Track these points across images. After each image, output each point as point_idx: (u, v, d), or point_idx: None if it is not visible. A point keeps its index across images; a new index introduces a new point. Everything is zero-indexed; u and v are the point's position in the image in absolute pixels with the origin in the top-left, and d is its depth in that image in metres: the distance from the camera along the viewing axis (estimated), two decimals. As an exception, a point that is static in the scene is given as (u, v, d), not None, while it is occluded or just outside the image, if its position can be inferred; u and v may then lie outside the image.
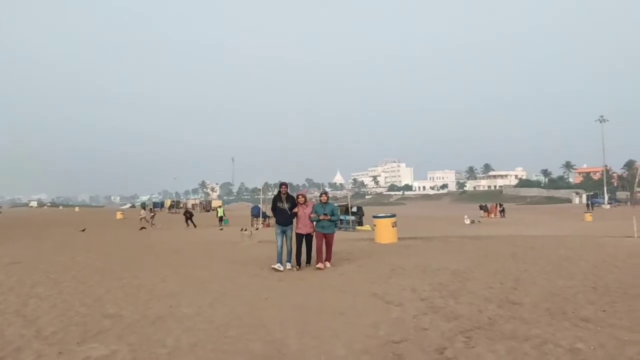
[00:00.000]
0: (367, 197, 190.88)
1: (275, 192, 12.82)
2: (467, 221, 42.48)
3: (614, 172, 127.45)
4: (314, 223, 12.06)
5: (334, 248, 12.66)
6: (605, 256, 12.91)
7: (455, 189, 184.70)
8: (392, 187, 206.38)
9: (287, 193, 12.00)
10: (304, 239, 12.01)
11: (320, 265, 11.79)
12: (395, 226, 18.51)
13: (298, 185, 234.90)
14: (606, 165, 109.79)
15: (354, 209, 36.32)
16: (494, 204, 60.16)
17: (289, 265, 11.76)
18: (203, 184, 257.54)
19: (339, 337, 6.26)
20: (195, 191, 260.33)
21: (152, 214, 40.78)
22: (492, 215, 54.36)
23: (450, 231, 29.62)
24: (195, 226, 37.28)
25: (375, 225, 19.11)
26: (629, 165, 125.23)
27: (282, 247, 11.80)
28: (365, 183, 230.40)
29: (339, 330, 6.57)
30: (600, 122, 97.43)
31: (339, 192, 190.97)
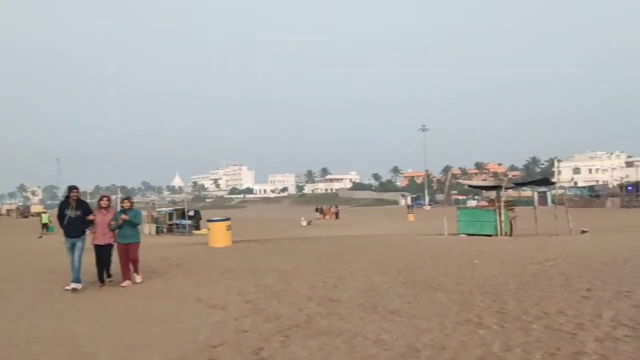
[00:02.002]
0: (207, 200, 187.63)
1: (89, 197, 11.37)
2: (304, 223, 43.90)
3: (434, 177, 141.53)
4: (116, 232, 10.43)
5: (140, 258, 10.91)
6: (418, 253, 14.21)
7: (295, 192, 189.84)
8: (234, 191, 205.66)
9: (78, 198, 10.15)
10: (102, 251, 10.29)
11: (125, 283, 10.24)
12: (230, 229, 18.45)
13: (133, 188, 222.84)
14: (427, 170, 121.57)
15: (191, 213, 35.50)
16: (329, 206, 63.05)
17: (75, 285, 9.88)
18: (22, 187, 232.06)
19: (156, 345, 6.04)
20: (12, 195, 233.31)
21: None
22: (327, 217, 56.86)
23: (287, 233, 30.35)
24: None
25: (209, 229, 18.86)
26: (446, 170, 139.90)
27: (76, 262, 9.91)
28: (205, 186, 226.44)
29: (157, 338, 6.34)
30: (423, 131, 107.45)
31: (177, 195, 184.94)
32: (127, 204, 10.62)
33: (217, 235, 17.98)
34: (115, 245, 10.47)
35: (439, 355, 5.21)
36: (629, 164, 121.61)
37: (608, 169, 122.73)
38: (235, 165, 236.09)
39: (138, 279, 10.63)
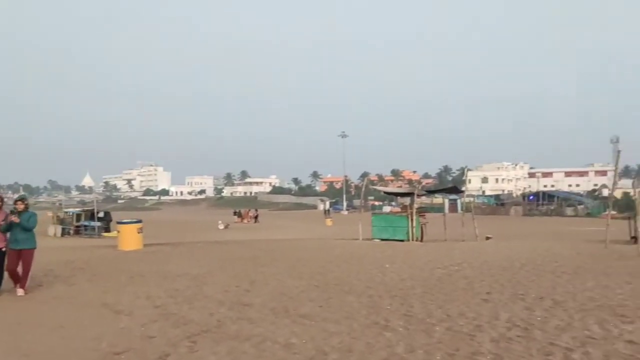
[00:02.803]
0: (119, 201, 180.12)
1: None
2: (221, 226, 43.24)
3: (352, 182, 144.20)
4: (7, 236, 9.25)
5: (32, 268, 9.47)
6: (332, 257, 14.44)
7: (213, 195, 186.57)
8: (148, 192, 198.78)
9: None
10: None
11: (19, 291, 9.18)
12: (141, 232, 17.84)
13: (38, 187, 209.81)
14: (346, 176, 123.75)
15: (101, 214, 33.93)
16: (247, 210, 62.54)
17: None
18: None
19: (54, 352, 5.73)
20: None
21: None
22: (246, 221, 56.36)
23: (203, 236, 29.75)
24: None
25: (119, 232, 18.14)
26: (364, 176, 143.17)
27: None
28: (118, 187, 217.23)
29: (56, 345, 6.02)
30: (342, 137, 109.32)
31: (87, 195, 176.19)
32: (20, 206, 9.38)
33: (128, 237, 17.33)
34: (7, 251, 9.21)
35: (345, 357, 5.32)
36: (532, 175, 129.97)
37: (513, 179, 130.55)
38: (151, 165, 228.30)
39: (20, 292, 9.17)
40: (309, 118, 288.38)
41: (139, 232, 17.62)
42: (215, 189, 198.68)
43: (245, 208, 70.91)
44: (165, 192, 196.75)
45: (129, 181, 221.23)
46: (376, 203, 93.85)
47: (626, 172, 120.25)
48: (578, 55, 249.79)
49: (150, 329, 6.65)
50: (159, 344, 5.96)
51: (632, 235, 17.95)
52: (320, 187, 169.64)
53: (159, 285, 9.90)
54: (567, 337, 5.79)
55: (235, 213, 60.55)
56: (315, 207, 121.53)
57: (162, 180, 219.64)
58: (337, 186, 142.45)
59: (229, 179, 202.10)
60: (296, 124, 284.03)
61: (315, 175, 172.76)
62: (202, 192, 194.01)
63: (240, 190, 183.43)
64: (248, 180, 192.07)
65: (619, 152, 21.99)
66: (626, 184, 67.83)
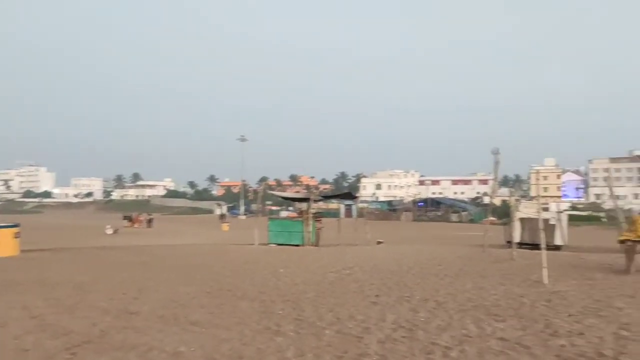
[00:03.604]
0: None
1: None
2: (110, 231, 41.13)
3: (250, 187, 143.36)
4: None
5: None
6: (227, 262, 14.26)
7: (102, 198, 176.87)
8: (29, 194, 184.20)
9: None
10: None
11: None
12: (19, 237, 16.50)
13: None
14: (244, 180, 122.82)
15: (-28, 217, 30.93)
16: (138, 214, 60.02)
17: None
18: None
19: None
20: None
21: None
22: (137, 225, 54.05)
23: (89, 242, 28.10)
24: None
25: (-8, 236, 16.62)
26: (263, 181, 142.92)
27: None
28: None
29: None
30: (241, 141, 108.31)
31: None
32: None
33: (2, 243, 15.94)
34: None
35: (235, 364, 5.27)
36: (421, 182, 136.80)
37: (404, 186, 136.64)
38: (31, 165, 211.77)
39: None
40: (206, 120, 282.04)
41: (15, 237, 16.28)
42: (105, 191, 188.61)
43: (136, 212, 67.95)
44: (47, 194, 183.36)
45: (6, 182, 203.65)
46: (274, 208, 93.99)
47: (505, 182, 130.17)
48: (462, 73, 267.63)
49: (24, 341, 6.16)
50: (34, 357, 5.55)
51: (507, 239, 19.46)
52: (217, 191, 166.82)
53: (37, 294, 9.20)
54: (447, 336, 6.15)
55: (125, 217, 57.86)
56: (212, 211, 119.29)
57: (45, 181, 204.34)
58: (235, 190, 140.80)
59: (119, 182, 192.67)
60: (193, 126, 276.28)
61: (212, 179, 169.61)
62: (90, 194, 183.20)
63: (131, 194, 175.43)
64: (140, 183, 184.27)
65: (497, 163, 23.79)
66: (505, 192, 73.60)
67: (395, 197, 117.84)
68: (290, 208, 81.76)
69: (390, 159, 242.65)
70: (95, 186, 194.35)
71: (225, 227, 49.15)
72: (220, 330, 6.57)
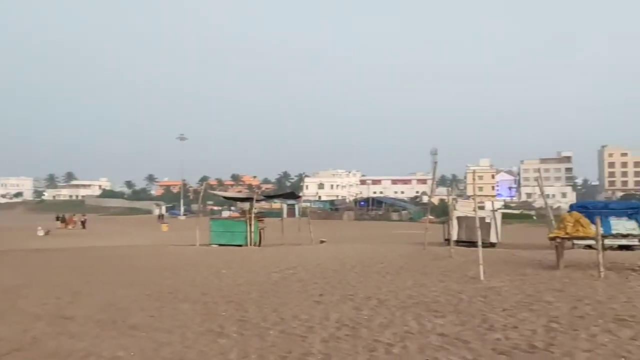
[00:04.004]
0: None
1: None
2: (41, 233, 39.35)
3: (190, 187, 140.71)
4: None
5: None
6: (167, 264, 13.94)
7: (32, 198, 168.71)
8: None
9: None
10: None
11: None
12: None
13: None
14: (184, 180, 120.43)
15: None
16: (72, 215, 57.69)
17: None
18: None
19: None
20: None
21: None
22: (70, 227, 51.91)
23: (19, 244, 26.74)
24: None
25: None
26: (203, 180, 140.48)
27: None
28: None
29: None
30: (181, 140, 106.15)
31: None
32: None
33: None
34: None
35: (177, 368, 5.17)
36: (363, 182, 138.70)
37: (346, 186, 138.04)
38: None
39: None
40: (144, 118, 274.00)
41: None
42: (35, 191, 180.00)
43: (70, 213, 65.23)
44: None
45: None
46: (215, 208, 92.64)
47: (442, 181, 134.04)
48: (401, 74, 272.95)
49: (-53, 351, 5.80)
50: (-42, 368, 5.24)
51: (446, 237, 20.05)
52: (156, 191, 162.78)
53: (-40, 301, 8.68)
54: (389, 333, 6.27)
55: (58, 218, 55.38)
56: (150, 212, 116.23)
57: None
58: (175, 190, 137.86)
59: (51, 181, 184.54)
60: (130, 124, 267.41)
61: (151, 178, 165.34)
62: (19, 195, 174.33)
63: (65, 194, 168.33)
64: (74, 182, 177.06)
65: (435, 163, 24.45)
66: (442, 191, 75.74)
67: (337, 196, 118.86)
68: (233, 208, 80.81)
69: (332, 159, 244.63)
70: (25, 186, 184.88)
71: (164, 227, 48.04)
72: (161, 334, 6.42)
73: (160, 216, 68.81)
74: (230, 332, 6.48)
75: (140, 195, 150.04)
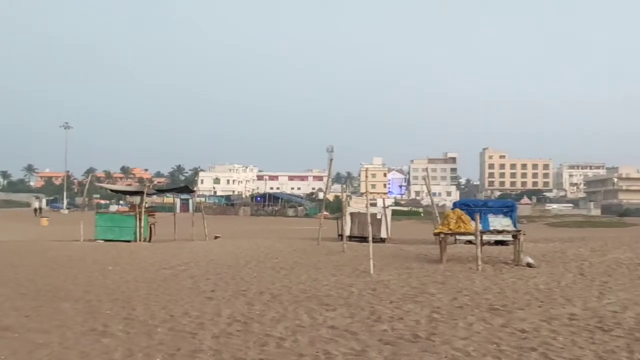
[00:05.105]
0: None
1: None
2: None
3: (75, 178, 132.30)
4: None
5: None
6: (47, 260, 13.01)
7: None
8: None
9: None
10: None
11: None
12: None
13: None
14: (68, 171, 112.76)
15: None
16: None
17: None
18: None
19: None
20: None
21: None
22: None
23: None
24: None
25: None
26: (90, 172, 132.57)
27: None
28: None
29: None
30: (65, 128, 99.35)
31: None
32: None
33: None
34: None
35: (54, 370, 4.84)
36: (260, 177, 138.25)
37: (243, 181, 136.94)
38: None
39: None
40: (23, 105, 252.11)
41: None
42: None
43: None
44: None
45: None
46: (102, 202, 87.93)
47: (337, 178, 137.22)
48: (300, 71, 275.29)
49: None
50: None
51: (339, 233, 20.54)
52: (36, 182, 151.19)
53: None
54: (281, 327, 6.31)
55: None
56: (29, 205, 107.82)
57: None
58: (57, 182, 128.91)
59: None
60: (6, 111, 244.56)
61: (30, 169, 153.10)
62: None
63: None
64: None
65: (331, 160, 25.00)
66: (337, 188, 77.58)
67: (233, 191, 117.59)
68: (121, 202, 77.10)
69: (229, 154, 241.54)
70: None
71: (44, 222, 44.71)
72: (37, 335, 5.98)
73: (38, 209, 63.02)
74: (115, 330, 6.18)
75: (17, 186, 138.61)
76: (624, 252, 13.57)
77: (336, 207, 45.85)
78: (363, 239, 17.48)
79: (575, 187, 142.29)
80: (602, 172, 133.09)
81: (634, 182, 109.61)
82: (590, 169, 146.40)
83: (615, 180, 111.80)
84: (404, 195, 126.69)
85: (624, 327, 6.07)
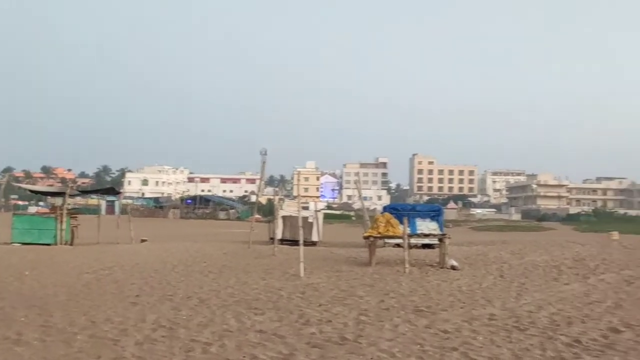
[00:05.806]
0: None
1: None
2: None
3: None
4: None
5: None
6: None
7: None
8: None
9: None
10: None
11: None
12: None
13: None
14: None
15: None
16: None
17: None
18: None
19: None
20: None
21: None
22: None
23: None
24: None
25: None
26: (7, 171, 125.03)
27: None
28: None
29: None
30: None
31: None
32: None
33: None
34: None
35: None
36: (191, 180, 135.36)
37: (173, 183, 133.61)
38: None
39: None
40: None
41: None
42: None
43: None
44: None
45: None
46: (21, 203, 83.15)
47: (270, 181, 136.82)
48: (234, 72, 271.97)
49: None
50: None
51: (271, 236, 20.47)
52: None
53: None
54: (208, 332, 6.21)
55: None
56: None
57: None
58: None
59: None
60: None
61: None
62: None
63: None
64: None
65: (264, 163, 24.89)
66: (270, 191, 77.32)
67: (162, 193, 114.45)
68: (42, 203, 73.23)
69: (158, 155, 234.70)
70: None
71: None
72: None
73: None
74: (31, 339, 5.86)
75: None
76: (540, 255, 14.36)
77: (269, 210, 45.69)
78: (294, 242, 17.50)
79: (498, 193, 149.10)
80: (522, 178, 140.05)
81: (551, 188, 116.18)
82: (512, 175, 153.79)
83: (535, 186, 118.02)
84: (336, 199, 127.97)
85: (538, 326, 6.42)
